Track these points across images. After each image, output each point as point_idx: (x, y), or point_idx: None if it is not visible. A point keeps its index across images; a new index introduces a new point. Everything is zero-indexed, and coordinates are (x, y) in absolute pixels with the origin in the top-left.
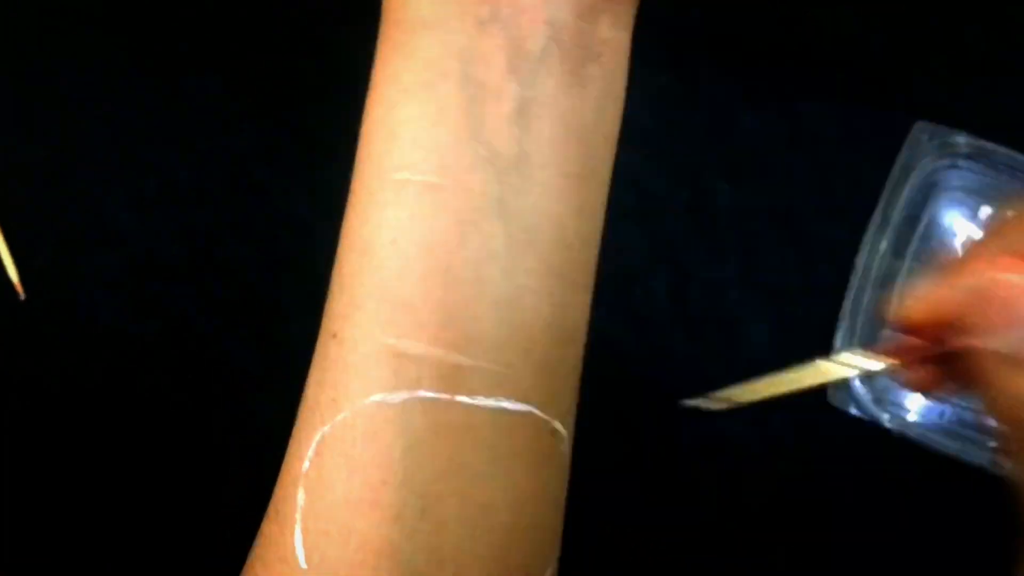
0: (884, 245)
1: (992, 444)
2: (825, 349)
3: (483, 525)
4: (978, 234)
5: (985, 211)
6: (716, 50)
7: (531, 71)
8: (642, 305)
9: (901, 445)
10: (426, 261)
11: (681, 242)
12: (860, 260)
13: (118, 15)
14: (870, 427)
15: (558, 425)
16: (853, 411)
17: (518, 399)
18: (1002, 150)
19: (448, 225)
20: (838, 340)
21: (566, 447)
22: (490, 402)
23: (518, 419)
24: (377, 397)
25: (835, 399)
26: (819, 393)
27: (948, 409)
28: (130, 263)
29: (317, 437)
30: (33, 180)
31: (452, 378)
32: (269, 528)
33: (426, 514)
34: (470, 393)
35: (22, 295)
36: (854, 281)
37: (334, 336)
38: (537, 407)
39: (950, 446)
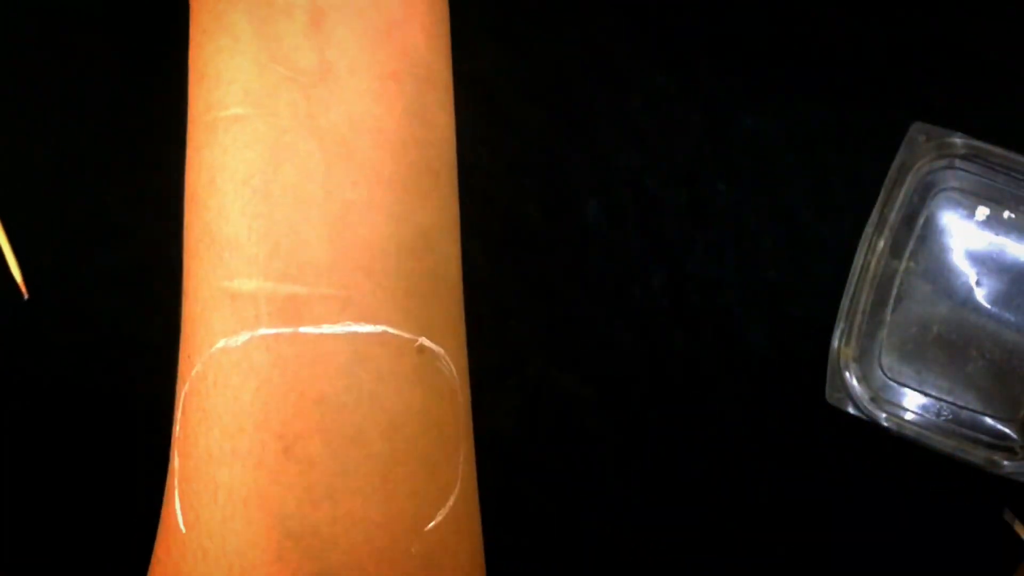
0: (882, 245)
1: (989, 444)
2: (823, 349)
3: (355, 457)
4: (975, 235)
5: (982, 212)
6: (714, 50)
7: None
8: (641, 304)
9: (899, 445)
10: (243, 194)
11: (679, 242)
12: (858, 259)
13: (119, 15)
14: (868, 424)
15: (426, 342)
16: (850, 410)
17: (368, 321)
18: (999, 151)
19: (260, 153)
20: (835, 340)
21: (446, 364)
22: (337, 328)
23: (373, 340)
24: (221, 343)
25: (832, 398)
26: (817, 392)
27: (945, 408)
28: (131, 263)
29: (181, 395)
30: (33, 180)
31: (291, 310)
32: (163, 503)
33: (289, 455)
34: (314, 322)
35: (26, 295)
36: (852, 280)
37: (184, 293)
38: (391, 326)
39: (947, 445)
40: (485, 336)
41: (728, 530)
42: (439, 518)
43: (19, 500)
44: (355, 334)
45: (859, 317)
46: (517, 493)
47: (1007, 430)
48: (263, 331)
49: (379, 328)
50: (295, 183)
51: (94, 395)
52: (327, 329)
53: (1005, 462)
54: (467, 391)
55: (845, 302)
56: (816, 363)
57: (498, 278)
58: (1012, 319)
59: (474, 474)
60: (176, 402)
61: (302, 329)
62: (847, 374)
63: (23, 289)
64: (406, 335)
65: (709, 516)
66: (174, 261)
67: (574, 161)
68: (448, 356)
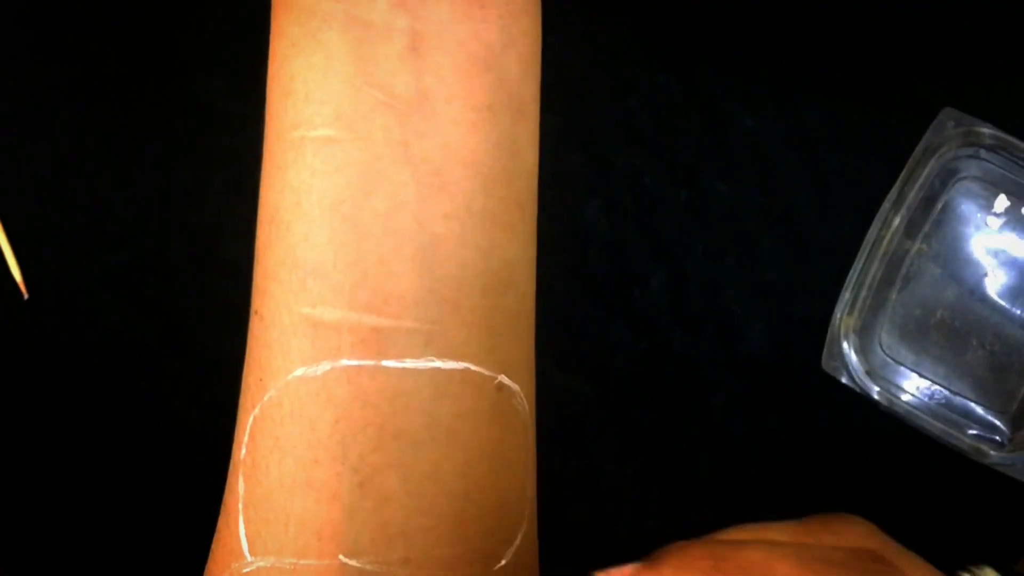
0: (897, 222)
1: (977, 433)
2: (822, 347)
3: (431, 495)
4: (991, 226)
5: (1001, 204)
6: (714, 50)
7: (419, 0)
8: (641, 305)
9: (899, 446)
10: (331, 220)
11: (679, 242)
12: (871, 233)
13: (119, 15)
14: (869, 402)
15: (505, 379)
16: (844, 380)
17: (451, 357)
18: None
19: (351, 179)
20: (838, 310)
21: (520, 401)
22: (420, 363)
23: (454, 377)
24: (299, 372)
25: (828, 366)
26: (817, 388)
27: (939, 392)
28: (130, 263)
29: (249, 421)
30: (33, 180)
31: (374, 342)
32: (220, 522)
33: (365, 489)
34: (397, 356)
35: (25, 295)
36: (863, 252)
37: (255, 313)
38: (474, 363)
39: (935, 427)
40: None
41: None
42: (508, 557)
43: (18, 500)
44: (437, 370)
45: (864, 291)
46: None
47: (997, 422)
48: (345, 362)
49: (461, 365)
50: (386, 212)
51: (94, 395)
52: (410, 364)
53: (992, 452)
54: (534, 428)
55: (853, 273)
56: (816, 363)
57: None
58: (1017, 314)
59: (535, 510)
60: (241, 425)
61: (384, 363)
62: (845, 344)
63: (23, 289)
64: (487, 372)
65: (709, 516)
66: (174, 261)
67: (574, 161)
68: (523, 393)
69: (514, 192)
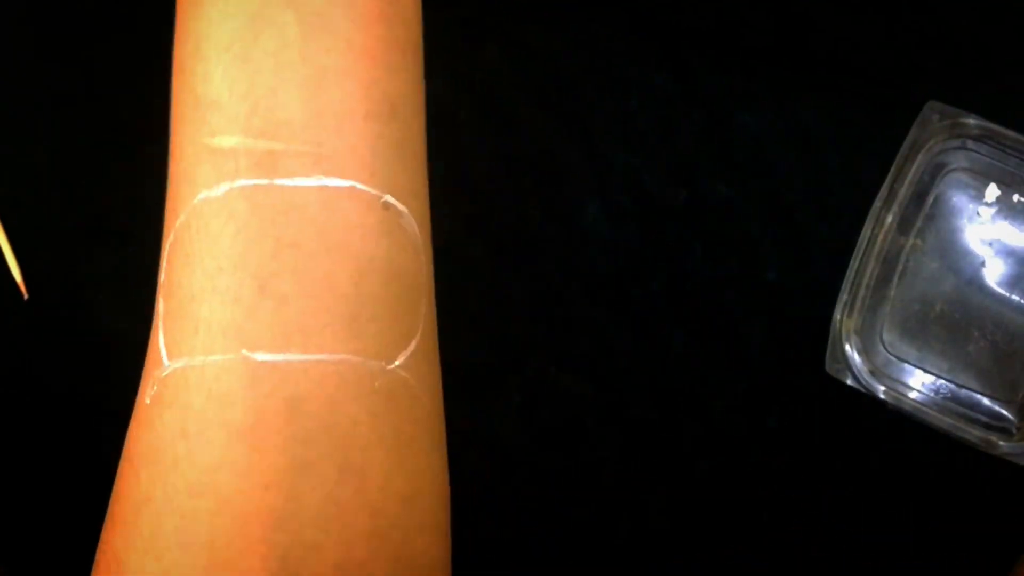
0: (889, 220)
1: (986, 424)
2: (823, 347)
3: (325, 298)
4: (983, 216)
5: (992, 194)
6: (712, 49)
7: None
8: (640, 305)
9: (899, 448)
10: (225, 58)
11: (679, 242)
12: (865, 232)
13: (119, 15)
14: (870, 402)
15: (391, 199)
16: (849, 382)
17: (338, 175)
18: (1012, 134)
19: (242, 24)
20: (837, 312)
21: (409, 222)
22: (310, 181)
23: (342, 194)
24: (203, 195)
25: (832, 369)
26: (817, 388)
27: (945, 386)
28: (131, 263)
29: (166, 248)
30: (33, 180)
31: (268, 163)
32: (148, 348)
33: (264, 292)
34: (289, 175)
35: (26, 295)
36: (857, 252)
37: (170, 152)
38: (360, 182)
39: (944, 422)
40: (485, 336)
41: (728, 529)
42: (402, 358)
43: (19, 500)
44: (326, 187)
45: (863, 290)
46: (517, 493)
47: (1005, 412)
48: (242, 182)
49: (348, 183)
50: (274, 49)
51: (94, 395)
52: (300, 182)
53: (1001, 443)
54: (429, 250)
55: (850, 274)
56: (816, 363)
57: (498, 278)
58: (1015, 302)
59: (435, 327)
60: (161, 254)
61: (278, 181)
62: (847, 346)
63: (23, 289)
64: (372, 191)
65: (709, 516)
66: None
67: (574, 161)
68: (412, 215)
69: (394, 34)
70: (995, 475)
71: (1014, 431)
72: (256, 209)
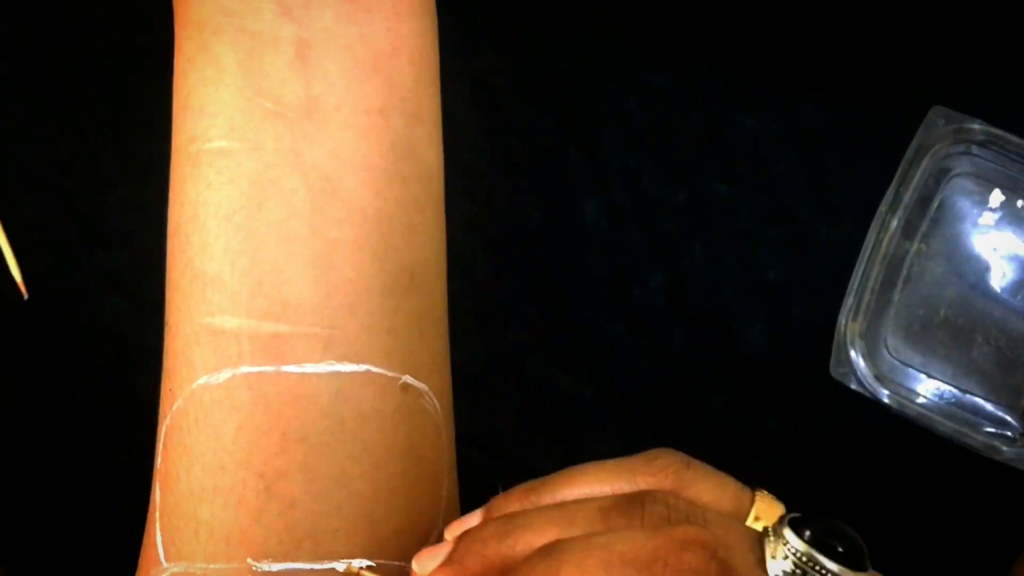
0: (895, 224)
1: (989, 430)
2: (823, 347)
3: (337, 497)
4: (988, 221)
5: (996, 199)
6: (712, 50)
7: (303, 7)
8: (640, 305)
9: (901, 442)
10: (226, 231)
11: (679, 242)
12: (870, 237)
13: (118, 16)
14: (870, 402)
15: (410, 380)
16: (853, 386)
17: (351, 359)
18: (1016, 139)
19: (244, 189)
20: (842, 315)
21: (430, 401)
22: (320, 367)
23: (356, 380)
24: (203, 380)
25: (836, 373)
26: (817, 388)
27: (948, 392)
28: (130, 264)
29: (162, 431)
30: (33, 180)
31: (274, 348)
32: (145, 531)
33: (271, 493)
34: (297, 361)
35: (25, 295)
36: (862, 257)
37: (166, 324)
38: (375, 365)
39: (947, 427)
40: (485, 336)
41: None
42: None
43: (19, 500)
44: (338, 373)
45: (867, 295)
46: None
47: (1008, 417)
48: (245, 369)
49: (362, 367)
50: (279, 220)
51: (93, 395)
52: (310, 368)
53: (1004, 448)
54: (451, 427)
55: (854, 278)
56: (816, 363)
57: (498, 278)
58: (1019, 307)
59: (457, 508)
60: (158, 435)
61: (284, 368)
62: (852, 351)
63: (23, 289)
64: (389, 374)
65: None
66: None
67: (573, 161)
68: (432, 393)
69: (412, 194)
70: (997, 480)
71: (1017, 437)
72: (261, 399)
